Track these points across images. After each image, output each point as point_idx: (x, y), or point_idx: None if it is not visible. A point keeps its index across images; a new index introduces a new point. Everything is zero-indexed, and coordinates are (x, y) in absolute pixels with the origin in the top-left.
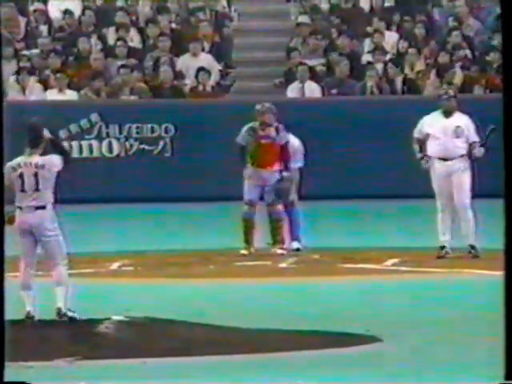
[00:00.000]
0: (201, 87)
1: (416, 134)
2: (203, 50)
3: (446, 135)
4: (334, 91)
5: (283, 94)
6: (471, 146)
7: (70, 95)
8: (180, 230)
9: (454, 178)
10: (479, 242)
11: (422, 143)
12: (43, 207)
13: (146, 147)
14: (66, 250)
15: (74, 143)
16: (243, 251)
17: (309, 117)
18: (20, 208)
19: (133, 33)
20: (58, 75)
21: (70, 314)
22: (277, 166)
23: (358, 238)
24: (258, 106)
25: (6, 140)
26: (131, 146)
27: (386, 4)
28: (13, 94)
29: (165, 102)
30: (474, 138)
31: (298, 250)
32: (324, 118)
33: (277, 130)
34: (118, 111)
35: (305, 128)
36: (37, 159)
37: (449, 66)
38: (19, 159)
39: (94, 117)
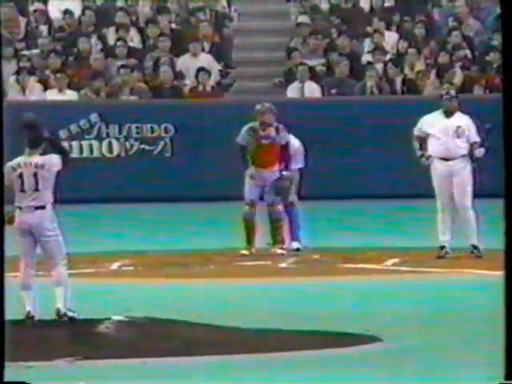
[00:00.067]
0: (201, 87)
1: (416, 131)
2: (203, 50)
3: (447, 135)
4: (333, 91)
5: (283, 93)
6: (472, 146)
7: (70, 95)
8: (180, 230)
9: (454, 178)
10: (480, 241)
11: (422, 141)
12: (43, 207)
13: (146, 147)
14: (65, 250)
15: (74, 143)
16: (244, 251)
17: (309, 117)
18: (20, 208)
19: (133, 33)
20: (58, 75)
21: (69, 313)
22: (277, 166)
23: (358, 238)
24: (258, 106)
25: (6, 140)
26: (131, 146)
27: (386, 4)
28: (13, 94)
29: (165, 102)
30: (475, 138)
31: (297, 250)
32: (324, 118)
33: (277, 130)
34: (118, 111)
35: (305, 128)
36: (36, 159)
37: (449, 66)
38: (19, 159)
39: (94, 117)
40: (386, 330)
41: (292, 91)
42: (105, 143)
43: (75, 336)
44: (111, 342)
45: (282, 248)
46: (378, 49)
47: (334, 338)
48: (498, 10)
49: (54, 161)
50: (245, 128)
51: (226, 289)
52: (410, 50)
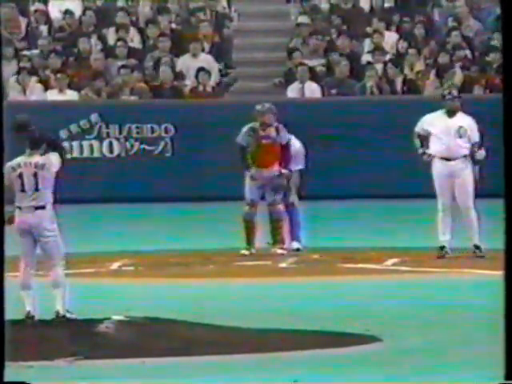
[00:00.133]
0: (201, 87)
1: (417, 129)
2: (203, 50)
3: (449, 135)
4: (333, 91)
5: (283, 94)
6: (472, 147)
7: (71, 95)
8: (180, 230)
9: (456, 178)
10: (481, 242)
11: (424, 139)
12: (43, 207)
13: (146, 147)
14: (64, 250)
15: (75, 143)
16: (244, 251)
17: (309, 117)
18: (19, 208)
19: (133, 33)
20: (59, 75)
21: (68, 315)
22: (277, 166)
23: (358, 237)
24: (258, 107)
25: (6, 140)
26: (131, 146)
27: (386, 4)
28: (13, 94)
29: (165, 102)
30: (477, 138)
31: (298, 250)
32: (324, 118)
33: (277, 130)
34: (119, 111)
35: (305, 128)
36: (37, 159)
37: (448, 67)
38: (19, 159)
39: (95, 117)
40: (385, 330)
41: (292, 91)
42: (105, 143)
43: (75, 336)
44: (111, 341)
45: (282, 248)
46: (377, 49)
47: (334, 337)
48: (498, 11)
49: (53, 160)
50: (245, 128)
51: (226, 289)
52: (410, 51)
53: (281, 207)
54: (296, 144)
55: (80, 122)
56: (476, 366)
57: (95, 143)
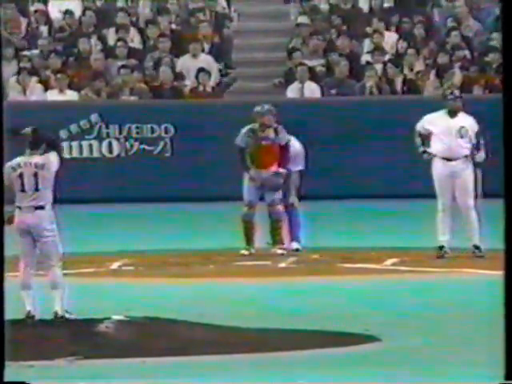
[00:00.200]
0: (201, 88)
1: (418, 127)
2: (203, 50)
3: (450, 135)
4: (333, 91)
5: (283, 94)
6: (472, 147)
7: (71, 95)
8: (180, 230)
9: (457, 178)
10: (481, 242)
11: (425, 138)
12: (42, 207)
13: (146, 147)
14: (61, 251)
15: (74, 143)
16: (243, 251)
17: (309, 117)
18: (19, 208)
19: (133, 33)
20: (59, 76)
21: (67, 315)
22: (276, 167)
23: (358, 237)
24: (257, 108)
25: (6, 140)
26: (131, 146)
27: (385, 4)
28: (13, 94)
29: (165, 102)
30: (478, 138)
31: (297, 250)
32: (324, 118)
33: (276, 131)
34: (118, 111)
35: (304, 128)
36: (37, 159)
37: (448, 67)
38: (19, 159)
39: (94, 117)
40: (385, 330)
41: (292, 91)
42: (105, 143)
43: (75, 335)
44: (111, 341)
45: (281, 248)
46: (377, 49)
47: (334, 337)
48: (498, 11)
49: (53, 159)
50: (244, 130)
51: (226, 289)
52: (410, 51)
53: (280, 207)
54: (296, 145)
55: (80, 122)
56: (476, 366)
57: (95, 143)
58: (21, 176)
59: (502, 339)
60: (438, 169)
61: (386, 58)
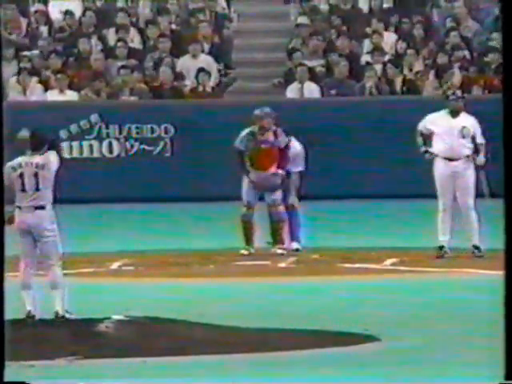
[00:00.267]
0: (201, 88)
1: (420, 127)
2: (203, 51)
3: (452, 135)
4: (333, 92)
5: (283, 94)
6: (475, 147)
7: (71, 96)
8: (180, 229)
9: (458, 178)
10: (481, 242)
11: (426, 137)
12: (42, 207)
13: (146, 147)
14: (61, 250)
15: (74, 143)
16: (243, 251)
17: (308, 117)
18: (19, 208)
19: (133, 34)
20: (59, 76)
21: (67, 315)
22: (275, 169)
23: (358, 237)
24: (256, 111)
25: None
26: (131, 146)
27: (385, 5)
28: (14, 94)
29: (165, 102)
30: (480, 139)
31: (297, 250)
32: (324, 118)
33: (275, 134)
34: (118, 112)
35: (304, 128)
36: (37, 159)
37: (447, 67)
38: (20, 159)
39: (94, 117)
40: (385, 330)
41: (291, 92)
42: (105, 143)
43: (75, 335)
44: (111, 341)
45: (281, 248)
46: (376, 49)
47: (334, 337)
48: (497, 11)
49: (52, 159)
50: (243, 133)
51: (226, 289)
52: (409, 51)
53: (281, 208)
54: (296, 146)
55: (80, 122)
56: (476, 366)
57: (95, 143)
58: (21, 176)
59: (502, 339)
60: (440, 169)
61: (386, 58)
